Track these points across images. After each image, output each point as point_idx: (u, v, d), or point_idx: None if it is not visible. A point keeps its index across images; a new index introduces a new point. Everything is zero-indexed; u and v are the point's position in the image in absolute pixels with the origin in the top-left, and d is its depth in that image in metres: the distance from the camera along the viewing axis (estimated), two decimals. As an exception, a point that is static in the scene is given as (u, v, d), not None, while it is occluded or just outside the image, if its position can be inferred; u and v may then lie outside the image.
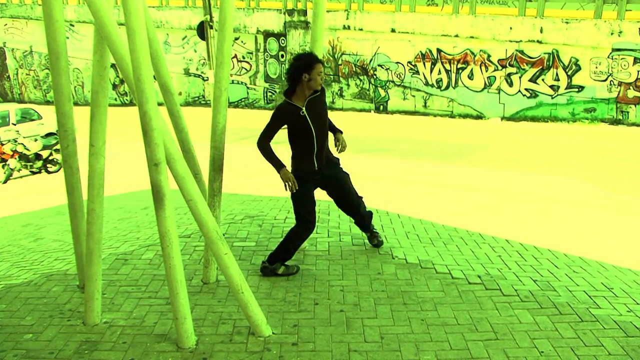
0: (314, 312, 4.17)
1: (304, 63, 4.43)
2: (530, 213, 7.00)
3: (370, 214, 5.21)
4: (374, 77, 20.22)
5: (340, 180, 4.83)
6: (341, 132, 4.89)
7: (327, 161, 4.70)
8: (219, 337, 3.86)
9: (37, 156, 13.19)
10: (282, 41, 21.79)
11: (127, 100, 25.39)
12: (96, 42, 3.90)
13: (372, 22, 19.77)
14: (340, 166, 4.88)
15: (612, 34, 15.95)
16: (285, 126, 4.55)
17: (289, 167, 4.61)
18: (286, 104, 4.51)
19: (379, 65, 20.02)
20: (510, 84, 17.77)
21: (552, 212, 7.13)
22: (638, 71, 15.82)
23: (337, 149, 4.79)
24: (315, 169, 4.60)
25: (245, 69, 22.86)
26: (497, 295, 4.40)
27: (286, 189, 4.54)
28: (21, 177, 13.15)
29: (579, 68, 16.63)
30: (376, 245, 5.33)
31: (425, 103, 19.40)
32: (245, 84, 22.91)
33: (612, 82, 16.24)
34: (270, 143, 4.55)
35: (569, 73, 16.81)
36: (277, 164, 4.51)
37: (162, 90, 4.51)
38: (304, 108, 4.45)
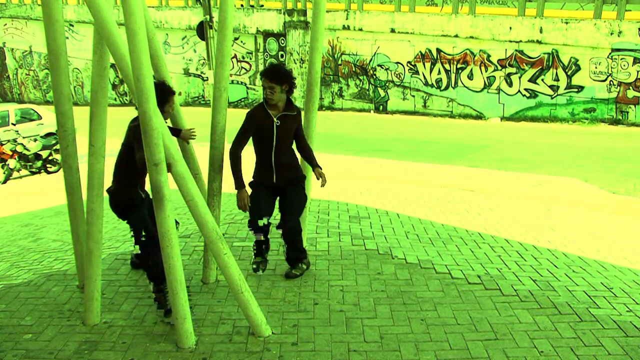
0: (313, 312, 4.17)
1: None
2: (530, 213, 6.99)
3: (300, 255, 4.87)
4: (374, 77, 20.22)
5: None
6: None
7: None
8: (219, 337, 3.86)
9: (37, 156, 13.18)
10: (282, 41, 21.79)
11: (126, 100, 25.39)
12: (96, 42, 3.90)
13: (372, 22, 19.77)
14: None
15: (611, 34, 15.95)
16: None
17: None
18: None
19: (378, 65, 20.02)
20: (510, 84, 17.78)
21: (552, 212, 7.13)
22: (637, 71, 15.83)
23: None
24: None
25: (245, 69, 22.87)
26: (496, 295, 4.40)
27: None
28: (20, 177, 13.14)
29: (578, 68, 16.64)
30: (287, 274, 4.81)
31: (425, 103, 19.40)
32: (245, 84, 22.92)
33: (611, 82, 16.24)
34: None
35: (568, 73, 16.81)
36: None
37: (161, 90, 4.50)
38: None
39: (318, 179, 4.58)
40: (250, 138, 4.51)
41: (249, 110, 4.48)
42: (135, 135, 3.79)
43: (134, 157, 3.89)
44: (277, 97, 4.36)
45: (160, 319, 4.09)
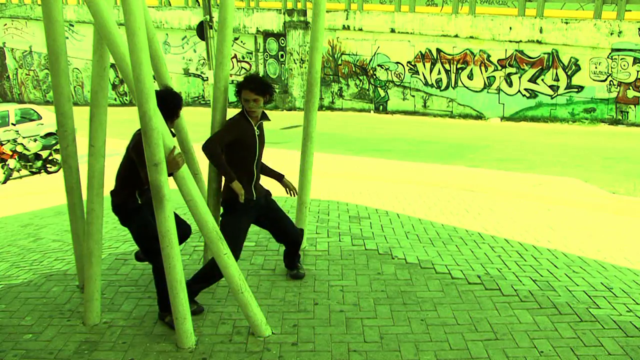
0: (313, 312, 4.17)
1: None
2: (530, 213, 6.99)
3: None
4: (374, 77, 20.22)
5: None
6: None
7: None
8: (219, 337, 3.86)
9: (37, 156, 13.18)
10: (282, 41, 21.79)
11: (126, 100, 25.39)
12: (96, 42, 3.90)
13: (372, 22, 19.77)
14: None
15: (611, 34, 15.96)
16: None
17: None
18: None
19: (378, 65, 20.02)
20: (510, 84, 17.78)
21: (552, 212, 7.13)
22: (637, 71, 15.83)
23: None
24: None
25: (245, 69, 22.86)
26: (496, 295, 4.40)
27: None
28: (20, 177, 13.14)
29: (578, 68, 16.64)
30: (295, 275, 4.79)
31: (425, 103, 19.40)
32: (245, 84, 22.89)
33: (611, 82, 16.24)
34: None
35: (568, 73, 16.81)
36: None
37: (161, 90, 4.49)
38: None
39: (290, 190, 4.51)
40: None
41: (230, 119, 4.28)
42: (136, 148, 3.75)
43: (133, 162, 3.87)
44: (261, 109, 4.24)
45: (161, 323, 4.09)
